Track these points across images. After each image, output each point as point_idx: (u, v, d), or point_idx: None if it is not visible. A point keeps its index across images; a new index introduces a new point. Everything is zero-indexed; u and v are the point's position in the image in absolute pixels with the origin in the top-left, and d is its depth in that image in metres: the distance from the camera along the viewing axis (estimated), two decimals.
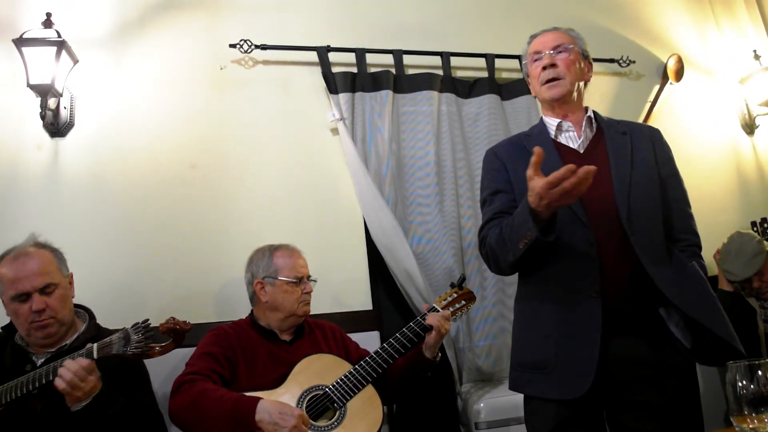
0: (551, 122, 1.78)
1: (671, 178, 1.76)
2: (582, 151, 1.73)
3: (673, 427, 1.56)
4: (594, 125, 1.78)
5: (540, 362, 1.62)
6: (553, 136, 1.76)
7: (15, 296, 1.79)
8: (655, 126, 3.37)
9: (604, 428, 1.64)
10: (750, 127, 3.58)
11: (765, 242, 2.83)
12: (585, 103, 1.85)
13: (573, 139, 1.76)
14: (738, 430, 0.99)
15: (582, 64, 1.80)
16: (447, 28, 3.11)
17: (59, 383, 1.59)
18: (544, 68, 1.74)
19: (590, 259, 1.59)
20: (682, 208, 1.76)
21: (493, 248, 1.69)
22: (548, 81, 1.74)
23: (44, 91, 2.33)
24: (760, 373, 0.96)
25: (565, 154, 1.72)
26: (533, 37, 1.85)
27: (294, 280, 2.10)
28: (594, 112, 1.82)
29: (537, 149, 1.43)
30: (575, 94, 1.76)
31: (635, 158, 1.70)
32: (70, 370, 1.59)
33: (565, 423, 1.59)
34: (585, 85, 1.83)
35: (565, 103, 1.76)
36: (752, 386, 0.96)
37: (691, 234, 1.74)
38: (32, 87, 2.34)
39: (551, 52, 1.75)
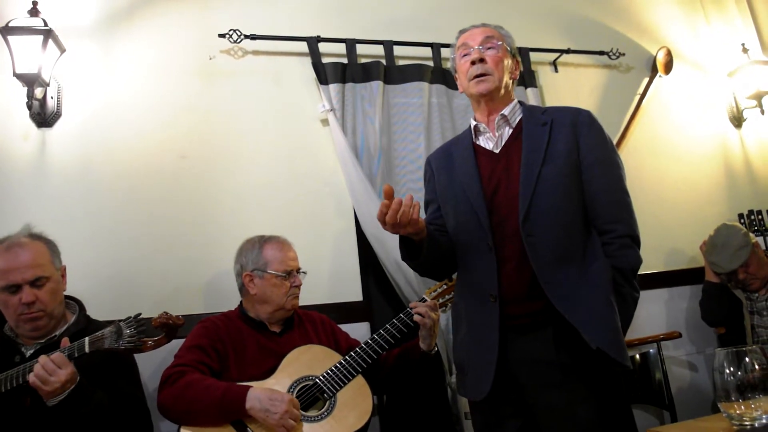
0: (472, 124, 1.79)
1: (597, 166, 1.65)
2: (497, 151, 1.72)
3: (585, 429, 1.50)
4: (515, 120, 1.73)
5: (461, 365, 1.72)
6: (473, 139, 1.77)
7: (5, 287, 1.77)
8: (645, 118, 3.44)
9: (520, 428, 1.61)
10: (738, 120, 3.62)
11: (751, 235, 2.85)
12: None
13: (490, 139, 1.75)
14: (725, 416, 1.00)
15: (510, 62, 1.77)
16: (437, 19, 3.10)
17: (30, 378, 1.59)
18: (473, 63, 1.72)
19: (489, 264, 1.61)
20: (609, 196, 1.64)
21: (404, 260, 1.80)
22: (477, 76, 1.71)
23: (31, 81, 2.31)
24: (747, 359, 0.97)
25: (481, 156, 1.73)
26: (462, 32, 1.82)
27: (283, 274, 2.09)
28: (521, 103, 1.79)
29: (386, 188, 1.50)
30: (503, 91, 1.74)
31: (550, 151, 1.63)
32: (39, 364, 1.59)
33: (484, 422, 1.68)
34: (513, 83, 1.80)
35: (492, 100, 1.73)
36: (739, 373, 0.97)
37: (618, 224, 1.62)
38: (18, 76, 2.30)
39: (480, 47, 1.73)
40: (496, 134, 1.73)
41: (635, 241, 1.64)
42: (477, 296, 1.64)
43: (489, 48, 1.73)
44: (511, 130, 1.73)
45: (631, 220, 1.65)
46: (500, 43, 1.74)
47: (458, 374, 1.75)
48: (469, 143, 1.77)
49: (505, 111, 1.73)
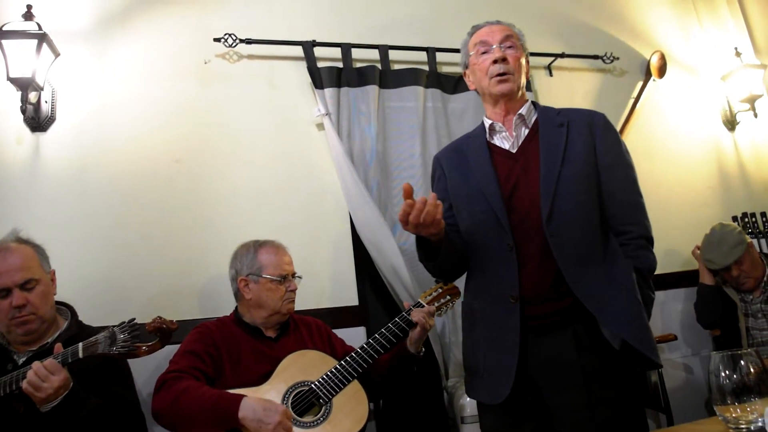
0: (486, 123, 1.77)
1: (613, 167, 1.67)
2: (515, 151, 1.70)
3: (602, 430, 1.49)
4: (531, 120, 1.73)
5: (473, 367, 1.69)
6: (488, 138, 1.76)
7: None
8: (639, 122, 3.45)
9: (535, 429, 1.60)
10: (731, 124, 3.64)
11: (746, 235, 2.87)
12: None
13: (507, 139, 1.73)
14: (721, 419, 1.00)
15: (524, 62, 1.76)
16: (433, 24, 3.11)
17: (23, 384, 1.57)
18: (495, 62, 1.69)
19: (509, 264, 1.59)
20: (625, 198, 1.66)
21: (421, 262, 1.79)
22: (498, 75, 1.69)
23: (25, 85, 2.30)
24: (742, 362, 0.97)
25: (497, 155, 1.72)
26: (477, 27, 1.80)
27: (278, 279, 2.08)
28: (534, 104, 1.78)
29: (405, 186, 1.47)
30: (521, 91, 1.74)
31: (569, 152, 1.63)
32: (32, 370, 1.57)
33: (498, 425, 1.64)
34: (525, 82, 1.79)
35: (511, 100, 1.72)
36: (735, 376, 0.97)
37: (634, 225, 1.65)
38: (12, 80, 2.30)
39: (500, 45, 1.71)
40: (513, 134, 1.72)
41: (650, 243, 1.66)
42: (494, 297, 1.62)
43: (509, 47, 1.71)
44: (527, 131, 1.72)
45: (646, 221, 1.67)
46: (519, 42, 1.74)
47: (470, 377, 1.71)
48: (482, 142, 1.75)
49: (522, 111, 1.72)
